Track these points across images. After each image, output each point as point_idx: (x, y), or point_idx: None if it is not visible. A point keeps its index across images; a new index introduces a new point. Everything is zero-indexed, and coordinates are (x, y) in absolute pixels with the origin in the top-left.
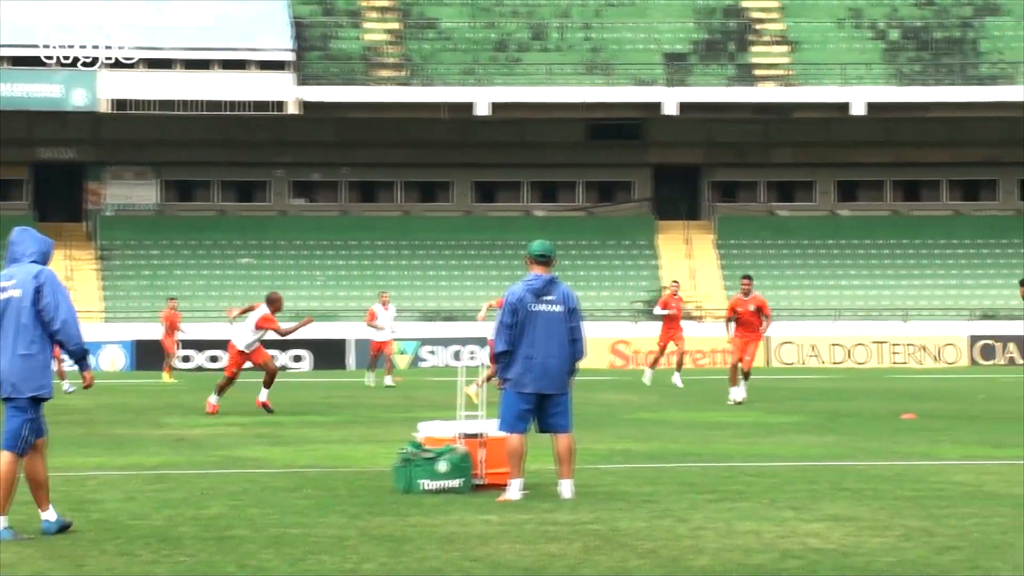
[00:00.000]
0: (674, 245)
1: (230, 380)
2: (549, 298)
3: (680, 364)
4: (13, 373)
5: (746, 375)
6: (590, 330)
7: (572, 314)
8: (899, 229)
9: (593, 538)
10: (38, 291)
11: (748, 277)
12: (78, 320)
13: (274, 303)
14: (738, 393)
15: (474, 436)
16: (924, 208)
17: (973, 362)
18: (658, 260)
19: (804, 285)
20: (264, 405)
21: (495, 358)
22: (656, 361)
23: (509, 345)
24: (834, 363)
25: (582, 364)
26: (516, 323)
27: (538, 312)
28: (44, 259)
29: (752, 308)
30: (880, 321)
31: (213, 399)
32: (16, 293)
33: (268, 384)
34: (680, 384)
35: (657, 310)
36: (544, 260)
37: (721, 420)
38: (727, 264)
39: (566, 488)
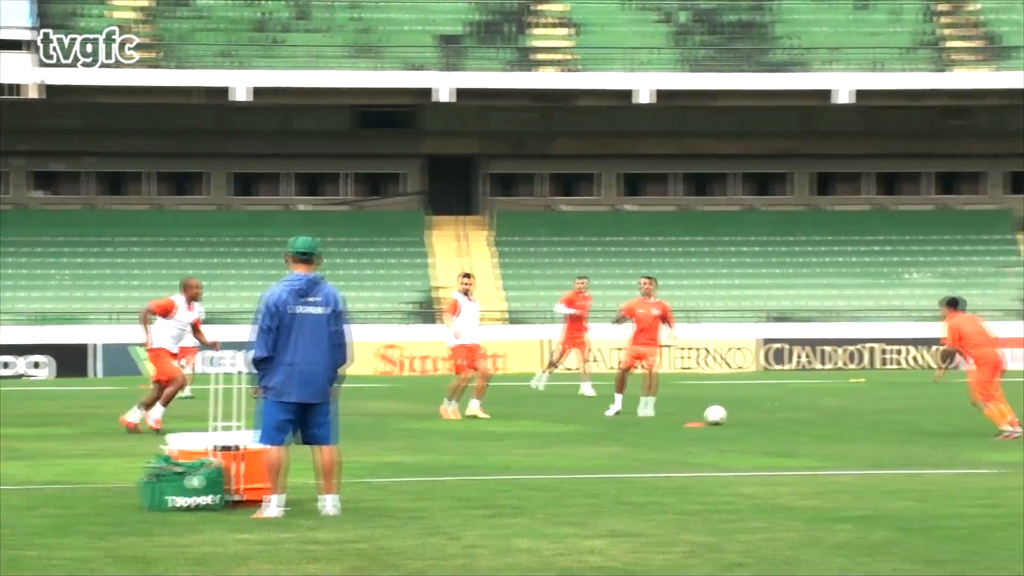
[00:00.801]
0: (448, 242)
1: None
2: (313, 300)
3: (586, 371)
4: None
5: (651, 388)
6: (356, 333)
7: (337, 317)
8: (686, 225)
9: (358, 558)
10: None
11: (650, 278)
12: None
13: (189, 289)
14: (642, 408)
15: (230, 449)
16: (713, 203)
17: (764, 366)
18: (430, 258)
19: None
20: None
21: (255, 365)
22: (554, 364)
23: (269, 351)
24: (613, 368)
25: (348, 371)
26: (276, 327)
27: (301, 315)
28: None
29: (655, 312)
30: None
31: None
32: None
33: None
34: (592, 393)
35: (560, 308)
36: (307, 258)
37: (498, 430)
38: (504, 263)
39: (330, 504)
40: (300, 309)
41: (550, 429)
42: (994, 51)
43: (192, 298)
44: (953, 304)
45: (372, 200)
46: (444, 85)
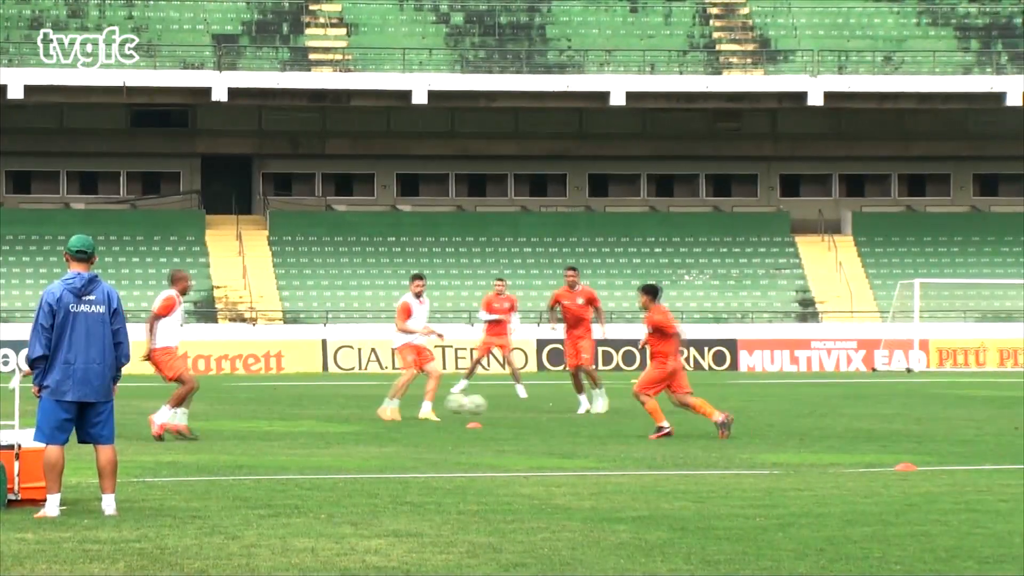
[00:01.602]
0: (225, 241)
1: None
2: (90, 298)
3: (516, 376)
4: None
5: (595, 381)
6: (133, 333)
7: (115, 315)
8: (463, 226)
9: (138, 557)
10: None
11: (573, 268)
12: None
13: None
14: (596, 404)
15: (8, 447)
16: (489, 203)
17: (541, 367)
18: (208, 257)
19: (364, 285)
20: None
21: (31, 363)
22: (472, 371)
23: (47, 349)
24: (395, 368)
25: (126, 370)
26: (54, 325)
27: (78, 313)
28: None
29: (580, 302)
30: (445, 324)
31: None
32: None
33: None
34: (524, 395)
35: (482, 315)
36: (84, 257)
37: (275, 430)
38: (281, 262)
39: (108, 503)
40: (77, 307)
41: (329, 429)
42: (766, 54)
43: (183, 291)
44: (653, 293)
45: (149, 199)
46: (219, 84)
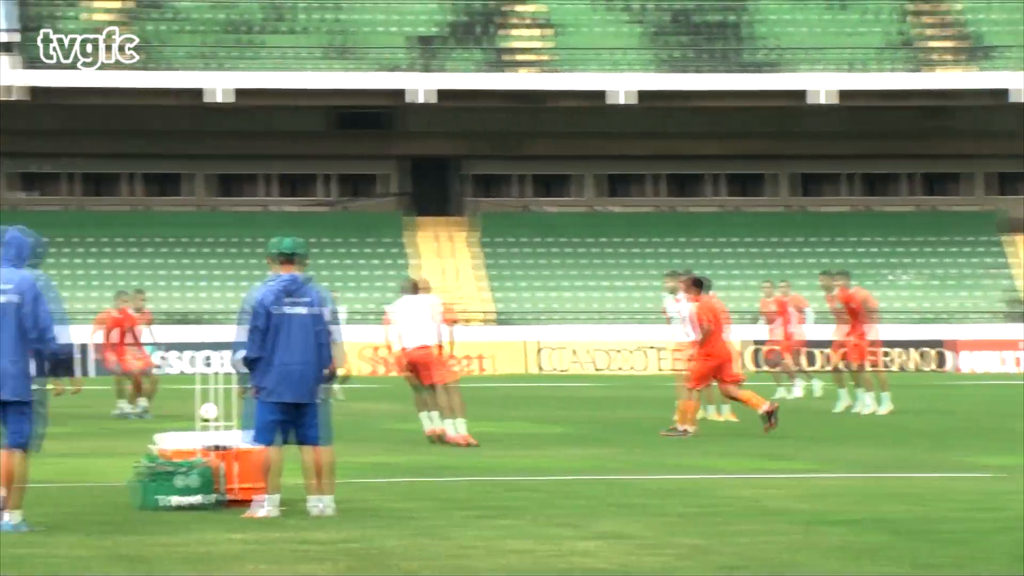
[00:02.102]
0: (429, 243)
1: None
2: (300, 300)
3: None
4: (13, 379)
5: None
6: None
7: (325, 317)
8: (667, 226)
9: (352, 558)
10: (32, 298)
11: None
12: (58, 325)
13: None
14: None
15: (222, 448)
16: (694, 204)
17: (752, 369)
18: (412, 259)
19: (566, 286)
20: None
21: (246, 365)
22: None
23: (259, 351)
24: (598, 370)
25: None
26: (265, 327)
27: (290, 315)
28: (24, 261)
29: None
30: (649, 324)
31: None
32: (13, 299)
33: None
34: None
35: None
36: (290, 259)
37: (484, 431)
38: (486, 264)
39: (322, 504)
40: (287, 310)
41: (538, 430)
42: (973, 51)
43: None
44: (698, 285)
45: (353, 201)
46: (420, 86)
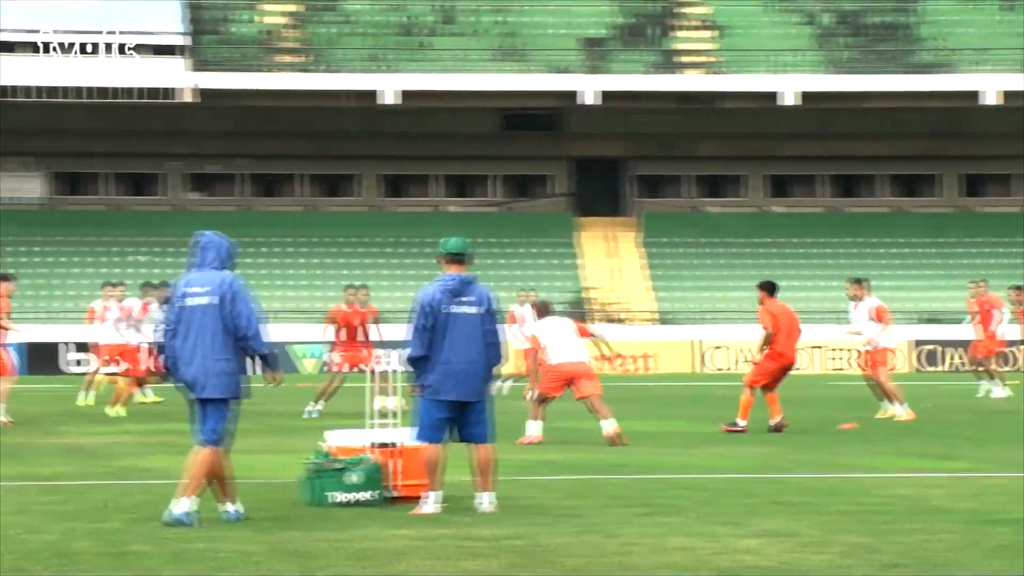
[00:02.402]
0: (596, 243)
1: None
2: (467, 299)
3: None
4: (211, 377)
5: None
6: (507, 334)
7: (491, 316)
8: (834, 226)
9: (515, 554)
10: (231, 299)
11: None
12: (263, 324)
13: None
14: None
15: (388, 445)
16: (860, 204)
17: (916, 368)
18: (579, 259)
19: (732, 286)
20: None
21: (411, 363)
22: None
23: (426, 349)
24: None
25: (500, 369)
26: (431, 326)
27: (456, 314)
28: (224, 264)
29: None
30: (816, 324)
31: None
32: (209, 300)
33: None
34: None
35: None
36: (459, 259)
37: (649, 430)
38: (653, 264)
39: (486, 501)
40: (454, 309)
41: (701, 429)
42: None
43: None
44: (770, 289)
45: (521, 201)
46: (589, 88)
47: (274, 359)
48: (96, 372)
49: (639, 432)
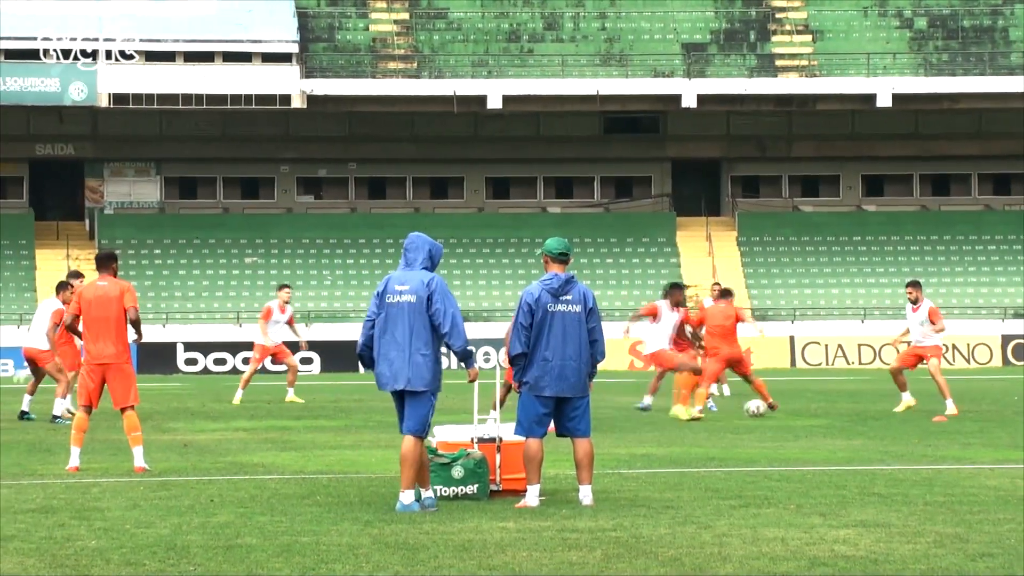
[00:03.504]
0: (695, 242)
1: None
2: (567, 298)
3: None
4: (411, 370)
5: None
6: (608, 331)
7: (590, 314)
8: (927, 225)
9: (614, 545)
10: (430, 298)
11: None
12: (462, 323)
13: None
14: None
15: (490, 440)
16: (953, 203)
17: (1006, 362)
18: (678, 258)
19: (830, 284)
20: None
21: (511, 360)
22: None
23: (526, 347)
24: (861, 364)
25: (601, 366)
26: (533, 324)
27: (556, 312)
28: (433, 265)
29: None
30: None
31: None
32: (411, 298)
33: None
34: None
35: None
36: (561, 258)
37: (744, 424)
38: (750, 262)
39: (585, 494)
40: (555, 307)
41: (797, 422)
42: None
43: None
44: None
45: (622, 202)
46: (689, 91)
47: (470, 356)
48: (254, 371)
49: (736, 426)
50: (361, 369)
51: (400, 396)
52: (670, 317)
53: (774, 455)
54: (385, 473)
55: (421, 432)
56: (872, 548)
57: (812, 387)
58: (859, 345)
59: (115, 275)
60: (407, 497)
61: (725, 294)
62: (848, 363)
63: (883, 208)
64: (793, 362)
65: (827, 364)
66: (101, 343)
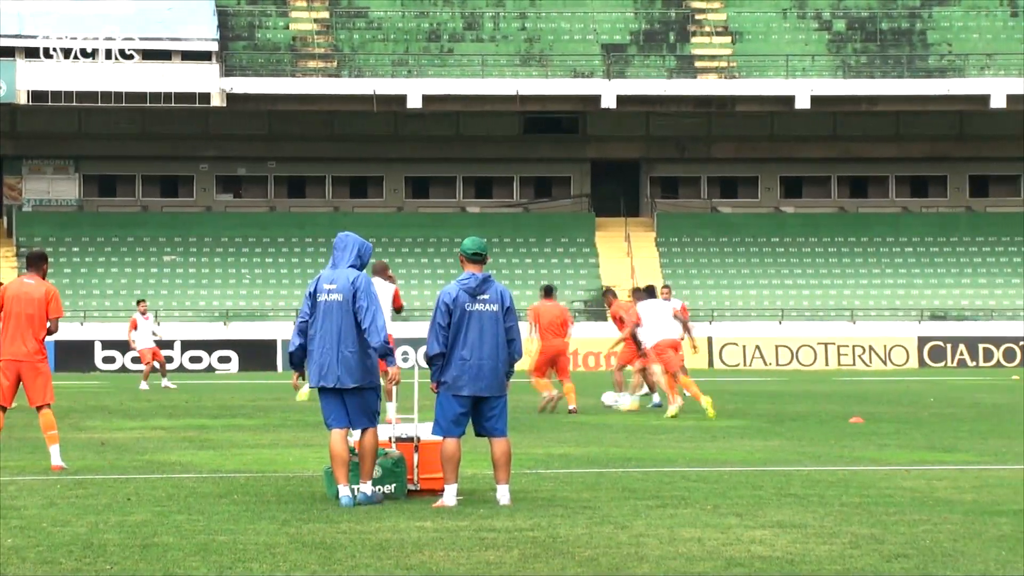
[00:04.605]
0: (614, 243)
1: None
2: (484, 297)
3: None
4: (341, 367)
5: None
6: (526, 332)
7: (508, 314)
8: (846, 226)
9: (531, 545)
10: (355, 295)
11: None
12: (384, 322)
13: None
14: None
15: (408, 440)
16: (871, 205)
17: (922, 364)
18: (597, 258)
19: (748, 284)
20: None
21: (429, 360)
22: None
23: (444, 347)
24: (779, 365)
25: (518, 365)
26: (450, 324)
27: (473, 312)
28: (363, 263)
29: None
30: (827, 322)
31: None
32: (338, 297)
33: None
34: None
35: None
36: (479, 258)
37: (662, 424)
38: (668, 263)
39: (503, 494)
40: (472, 307)
41: (714, 423)
42: None
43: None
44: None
45: (541, 202)
46: (608, 92)
47: (389, 353)
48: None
49: (652, 426)
50: (280, 368)
51: (337, 393)
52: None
53: (692, 455)
54: (302, 472)
55: (373, 423)
56: (788, 549)
57: (730, 388)
58: (776, 346)
59: (44, 276)
60: (367, 488)
61: (548, 292)
62: (765, 364)
63: (801, 210)
64: (710, 362)
65: (745, 365)
66: (19, 342)
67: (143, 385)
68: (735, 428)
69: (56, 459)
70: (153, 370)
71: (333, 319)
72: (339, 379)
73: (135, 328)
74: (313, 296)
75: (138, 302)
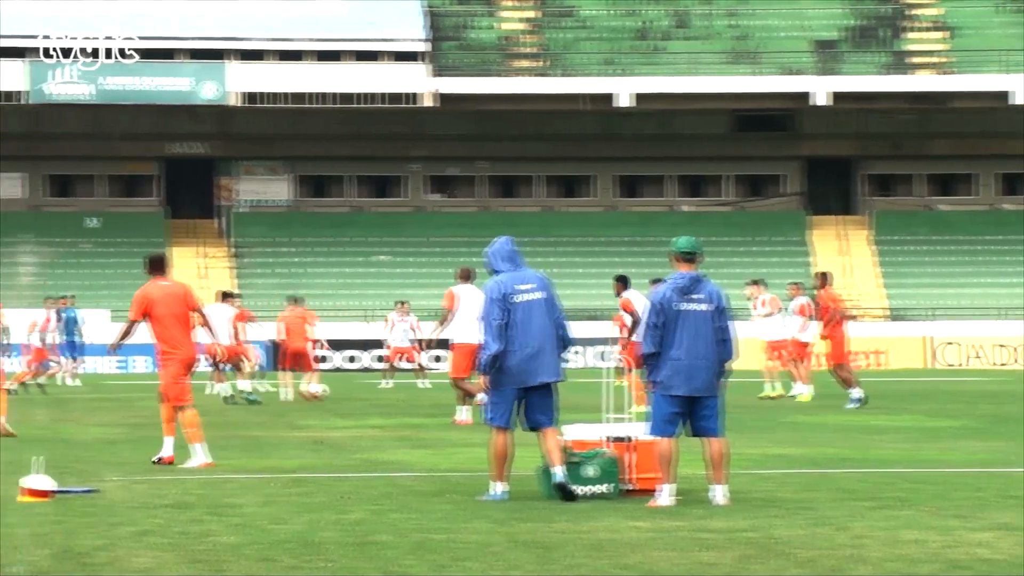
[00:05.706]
0: (827, 241)
1: None
2: (696, 297)
3: None
4: (553, 363)
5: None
6: (741, 330)
7: (721, 313)
8: None
9: (749, 546)
10: (553, 295)
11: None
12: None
13: None
14: None
15: (623, 439)
16: None
17: None
18: (811, 257)
19: (966, 283)
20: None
21: (642, 360)
22: None
23: (657, 347)
24: (999, 364)
25: (734, 365)
26: (663, 323)
27: (685, 312)
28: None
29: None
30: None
31: None
32: (540, 295)
33: None
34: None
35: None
36: (690, 257)
37: (880, 424)
38: (884, 261)
39: (719, 494)
40: (684, 306)
41: (933, 424)
42: None
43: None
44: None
45: (753, 201)
46: (821, 89)
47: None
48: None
49: (869, 426)
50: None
51: (525, 391)
52: None
53: (910, 457)
54: (518, 472)
55: (556, 421)
56: (1013, 551)
57: (949, 388)
58: (996, 345)
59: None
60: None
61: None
62: (986, 364)
63: (1020, 207)
64: (930, 362)
65: (963, 365)
66: (187, 339)
67: (385, 383)
68: (955, 429)
69: (203, 457)
70: (398, 371)
71: (541, 317)
72: (553, 374)
73: (392, 326)
74: (505, 299)
75: (400, 303)
